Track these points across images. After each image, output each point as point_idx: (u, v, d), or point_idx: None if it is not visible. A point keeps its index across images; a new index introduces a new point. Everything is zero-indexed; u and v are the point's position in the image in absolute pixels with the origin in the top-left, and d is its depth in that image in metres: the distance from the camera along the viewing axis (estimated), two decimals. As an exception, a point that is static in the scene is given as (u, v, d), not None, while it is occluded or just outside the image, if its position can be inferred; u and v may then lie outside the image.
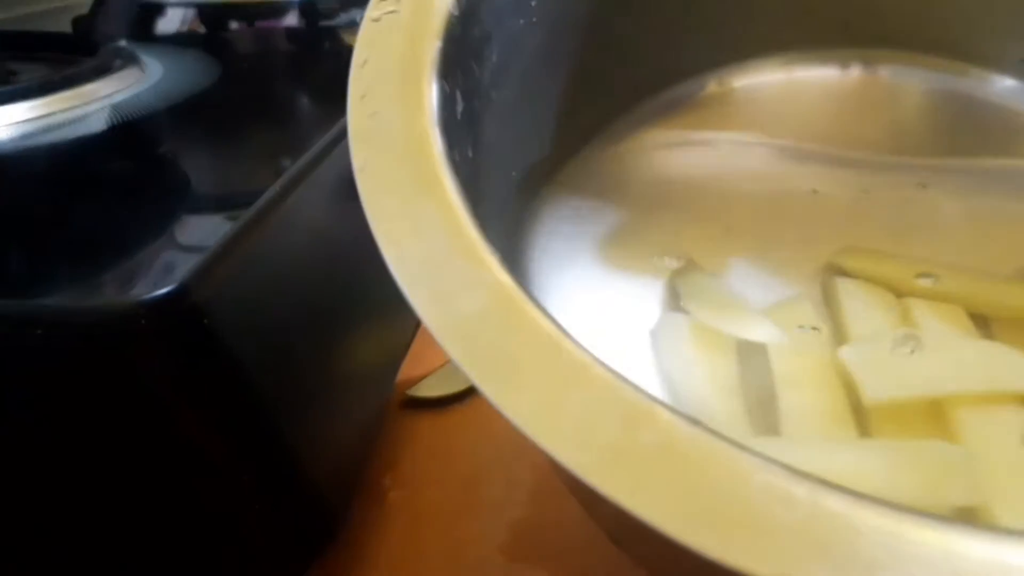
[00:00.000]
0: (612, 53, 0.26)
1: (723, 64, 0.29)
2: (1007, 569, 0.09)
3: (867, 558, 0.09)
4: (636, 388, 0.11)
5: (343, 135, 0.26)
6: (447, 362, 0.31)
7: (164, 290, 0.16)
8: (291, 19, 0.42)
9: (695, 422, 0.10)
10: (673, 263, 0.23)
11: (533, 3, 0.22)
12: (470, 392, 0.30)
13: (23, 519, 0.20)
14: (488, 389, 0.11)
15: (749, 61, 0.29)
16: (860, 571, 0.09)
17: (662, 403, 0.11)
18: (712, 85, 0.29)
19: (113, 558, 0.20)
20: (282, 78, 0.35)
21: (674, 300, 0.22)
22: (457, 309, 0.12)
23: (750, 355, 0.20)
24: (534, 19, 0.22)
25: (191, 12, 0.42)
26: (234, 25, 0.42)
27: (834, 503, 0.10)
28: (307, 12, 0.42)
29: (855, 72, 0.29)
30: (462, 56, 0.18)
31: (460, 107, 0.17)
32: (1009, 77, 0.28)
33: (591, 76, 0.26)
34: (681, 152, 0.28)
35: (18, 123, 0.27)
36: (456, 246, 0.13)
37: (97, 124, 0.27)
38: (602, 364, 0.11)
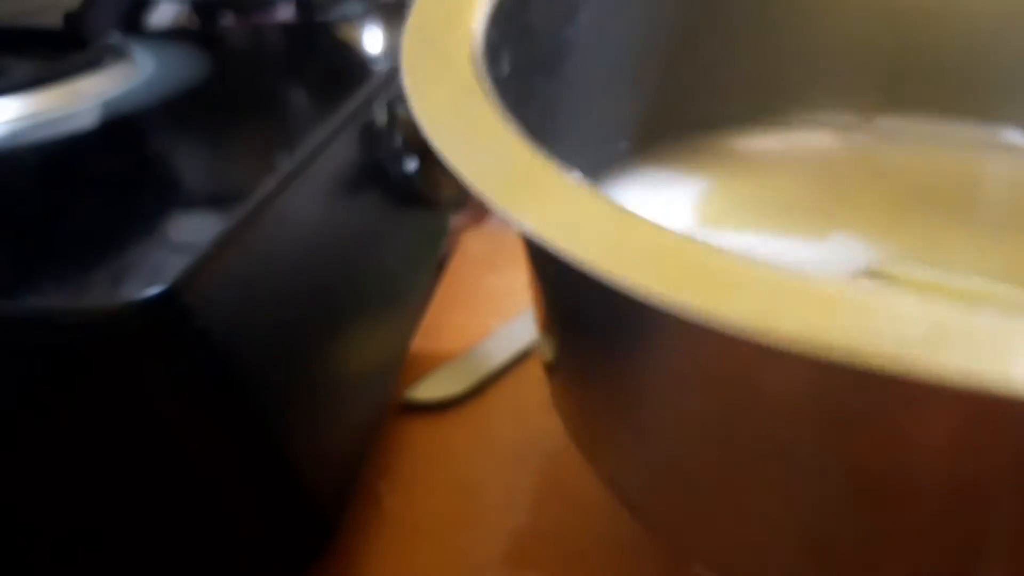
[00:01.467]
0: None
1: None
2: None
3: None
4: (634, 212, 0.13)
5: (338, 131, 0.26)
6: (446, 364, 0.31)
7: (155, 290, 0.16)
8: (286, 13, 0.42)
9: (684, 233, 0.12)
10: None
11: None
12: (469, 395, 0.30)
13: (19, 521, 0.20)
14: (500, 201, 0.13)
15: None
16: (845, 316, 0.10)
17: (654, 221, 0.13)
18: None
19: (105, 563, 0.20)
20: (276, 73, 0.35)
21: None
22: (481, 158, 0.14)
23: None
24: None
25: (184, 6, 0.42)
26: (228, 19, 0.42)
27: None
28: (302, 6, 0.42)
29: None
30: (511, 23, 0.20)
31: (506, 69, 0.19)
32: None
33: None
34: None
35: (7, 120, 0.27)
36: (483, 123, 0.16)
37: (87, 120, 0.27)
38: (603, 196, 0.13)
